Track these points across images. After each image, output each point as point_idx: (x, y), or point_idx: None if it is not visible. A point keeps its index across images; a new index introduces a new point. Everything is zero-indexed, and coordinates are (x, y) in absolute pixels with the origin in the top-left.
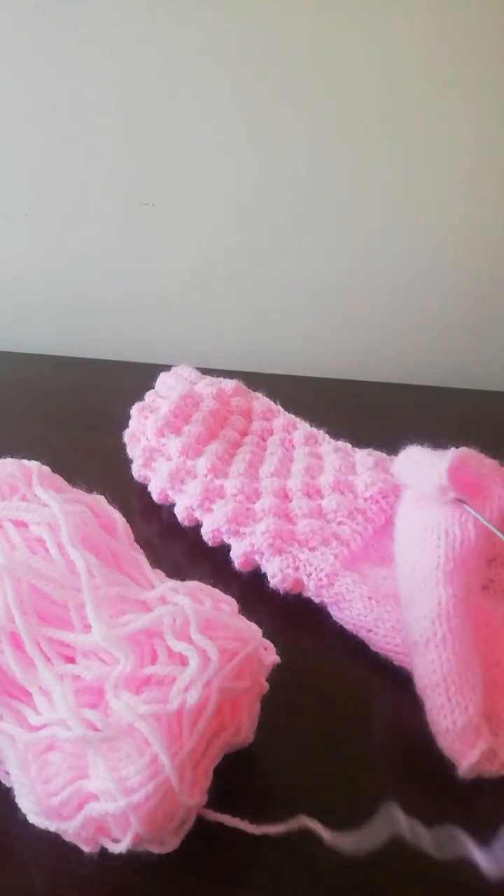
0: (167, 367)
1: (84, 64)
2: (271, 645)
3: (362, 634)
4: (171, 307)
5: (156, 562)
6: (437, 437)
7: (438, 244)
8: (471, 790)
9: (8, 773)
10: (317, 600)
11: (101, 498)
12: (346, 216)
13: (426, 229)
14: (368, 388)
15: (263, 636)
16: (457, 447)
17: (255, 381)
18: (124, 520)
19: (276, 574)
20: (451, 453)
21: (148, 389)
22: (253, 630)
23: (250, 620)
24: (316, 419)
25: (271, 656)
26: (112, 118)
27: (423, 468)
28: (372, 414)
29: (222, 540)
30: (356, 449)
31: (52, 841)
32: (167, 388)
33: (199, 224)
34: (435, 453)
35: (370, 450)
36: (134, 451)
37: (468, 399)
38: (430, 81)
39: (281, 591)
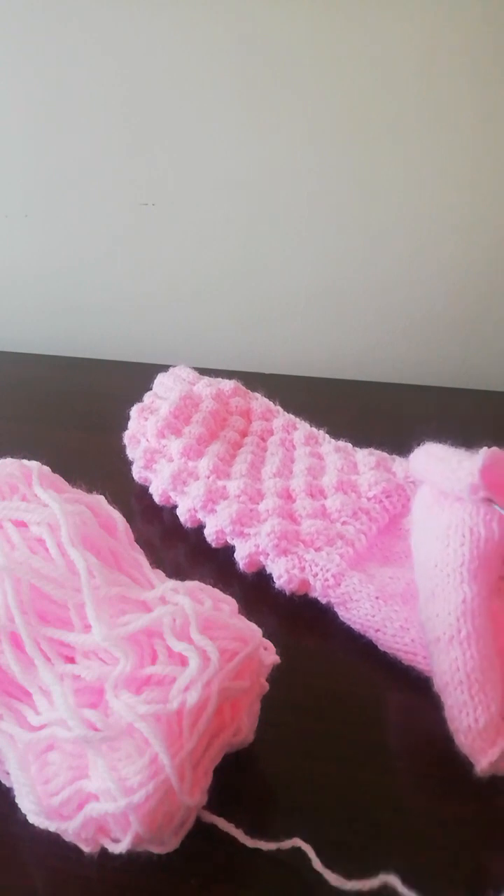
0: (166, 368)
1: (84, 63)
2: (271, 645)
3: (370, 634)
4: (171, 307)
5: (157, 563)
6: (437, 438)
7: (438, 245)
8: (478, 791)
9: (8, 773)
10: (323, 601)
11: (101, 498)
12: (346, 216)
13: (426, 230)
14: (368, 388)
15: (268, 637)
16: (462, 447)
17: (253, 381)
18: (124, 519)
19: (282, 575)
20: (484, 453)
21: (147, 390)
22: (253, 630)
23: (255, 621)
24: (316, 419)
25: (271, 656)
26: (112, 118)
27: (448, 465)
28: (372, 414)
29: (226, 541)
30: (357, 448)
31: (52, 841)
32: (165, 389)
33: (199, 224)
34: (459, 452)
35: (371, 449)
36: (134, 452)
37: (468, 399)
38: (431, 83)
39: (287, 592)
